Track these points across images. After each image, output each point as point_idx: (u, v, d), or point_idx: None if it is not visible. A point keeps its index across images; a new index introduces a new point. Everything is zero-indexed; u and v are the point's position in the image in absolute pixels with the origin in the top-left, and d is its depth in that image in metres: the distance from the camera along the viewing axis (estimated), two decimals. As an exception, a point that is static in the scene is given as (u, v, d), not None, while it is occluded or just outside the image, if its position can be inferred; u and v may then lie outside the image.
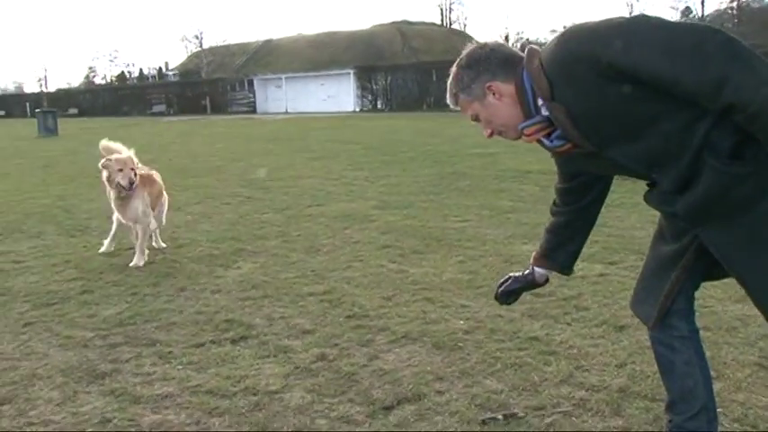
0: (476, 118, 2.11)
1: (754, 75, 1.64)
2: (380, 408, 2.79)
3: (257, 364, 3.29)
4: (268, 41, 67.55)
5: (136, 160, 5.38)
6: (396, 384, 3.00)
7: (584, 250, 2.48)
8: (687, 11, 61.26)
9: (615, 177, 2.29)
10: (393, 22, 65.68)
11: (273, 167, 11.63)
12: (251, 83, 50.79)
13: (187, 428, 2.69)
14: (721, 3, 60.19)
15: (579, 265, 2.88)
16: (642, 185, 2.08)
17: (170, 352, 3.47)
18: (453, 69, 2.10)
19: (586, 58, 1.79)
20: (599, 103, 1.82)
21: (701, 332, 3.41)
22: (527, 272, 2.54)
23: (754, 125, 1.66)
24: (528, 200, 7.39)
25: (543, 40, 77.53)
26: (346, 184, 9.25)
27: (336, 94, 45.13)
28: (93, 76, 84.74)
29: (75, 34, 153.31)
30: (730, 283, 3.79)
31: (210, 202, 8.27)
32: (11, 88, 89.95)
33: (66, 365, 3.33)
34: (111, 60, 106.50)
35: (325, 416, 2.75)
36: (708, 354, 3.15)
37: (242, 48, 68.09)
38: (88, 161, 10.55)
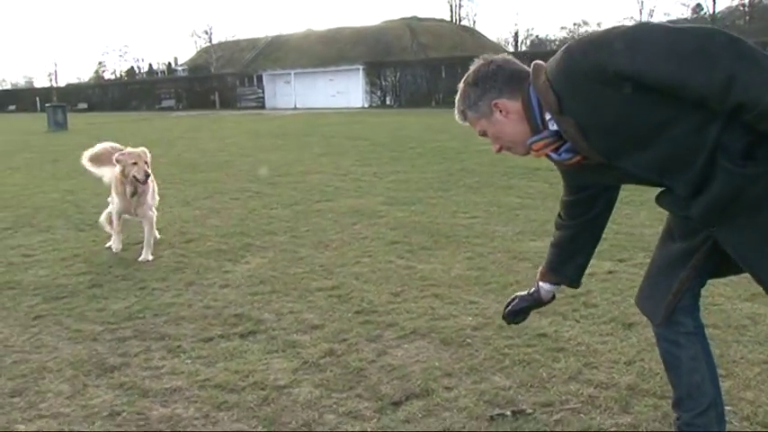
0: (484, 134, 2.13)
1: (761, 73, 1.63)
2: (389, 403, 2.80)
3: (266, 358, 3.29)
4: (277, 37, 67.48)
5: (149, 154, 5.40)
6: (404, 380, 3.00)
7: (594, 247, 2.48)
8: (698, 8, 60.93)
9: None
10: (402, 18, 65.50)
11: (282, 163, 11.64)
12: (260, 78, 50.82)
13: (196, 422, 2.70)
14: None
15: (588, 262, 2.87)
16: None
17: (179, 346, 3.48)
18: (461, 86, 2.12)
19: (593, 69, 1.79)
20: (608, 114, 1.81)
21: (711, 330, 3.42)
22: (533, 290, 2.56)
23: (764, 122, 1.65)
24: (537, 197, 7.37)
25: (553, 37, 77.17)
26: (355, 180, 9.26)
27: (345, 90, 45.11)
28: (103, 71, 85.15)
29: (85, 29, 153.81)
30: (739, 282, 3.80)
31: (219, 197, 8.28)
32: (21, 83, 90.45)
33: (76, 359, 3.35)
34: (120, 55, 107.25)
35: (333, 411, 2.75)
36: (717, 352, 3.15)
37: (251, 43, 68.06)
38: (98, 156, 10.58)
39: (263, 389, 2.96)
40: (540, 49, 63.66)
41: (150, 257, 5.29)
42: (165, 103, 51.39)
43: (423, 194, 7.90)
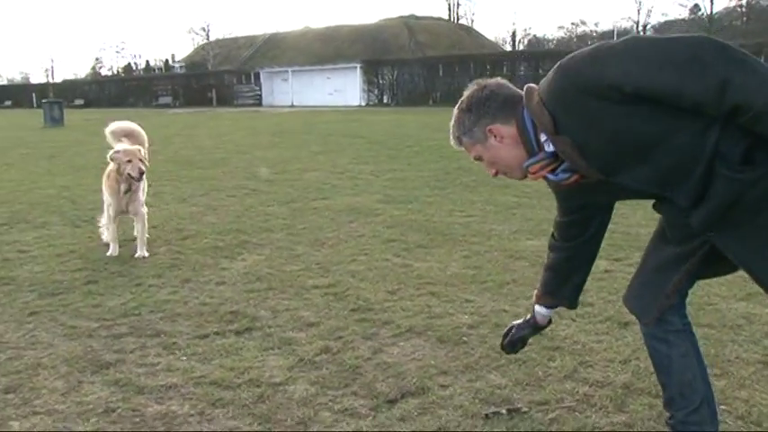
0: (479, 158, 2.15)
1: (754, 74, 1.66)
2: (384, 401, 2.79)
3: (261, 356, 3.29)
4: (275, 34, 67.43)
5: (143, 150, 5.39)
6: (400, 378, 3.00)
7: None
8: (696, 8, 61.04)
9: None
10: (400, 17, 65.50)
11: (279, 161, 11.63)
12: (257, 76, 50.83)
13: (191, 419, 2.70)
14: (730, 0, 59.95)
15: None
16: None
17: (174, 343, 3.48)
18: (455, 112, 2.14)
19: (587, 85, 1.79)
20: (605, 129, 1.82)
21: (706, 329, 3.44)
22: (528, 317, 2.60)
23: (760, 124, 1.66)
24: (533, 195, 7.37)
25: (551, 37, 77.40)
26: (351, 178, 9.25)
27: (342, 88, 45.13)
28: (100, 68, 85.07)
29: (82, 25, 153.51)
30: (735, 281, 3.81)
31: (216, 194, 8.27)
32: (17, 78, 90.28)
33: (71, 355, 3.34)
34: (117, 52, 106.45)
35: (328, 408, 2.75)
36: (712, 351, 3.17)
37: (249, 40, 68.02)
38: (94, 152, 10.59)
39: (258, 386, 2.95)
40: (537, 48, 63.69)
41: (146, 254, 5.29)
42: (162, 100, 51.35)
43: (419, 193, 7.91)
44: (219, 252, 5.33)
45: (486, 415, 2.65)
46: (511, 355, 3.15)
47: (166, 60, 76.31)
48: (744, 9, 58.49)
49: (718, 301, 3.84)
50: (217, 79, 52.59)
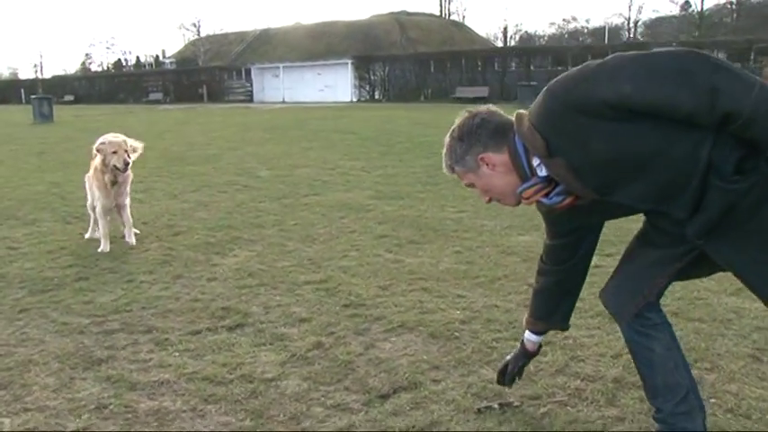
0: (471, 185, 2.17)
1: (740, 81, 1.68)
2: (376, 396, 2.80)
3: (253, 351, 3.29)
4: (266, 30, 67.20)
5: (129, 143, 5.38)
6: (392, 373, 3.01)
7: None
8: (686, 5, 61.19)
9: None
10: (391, 13, 65.37)
11: (270, 157, 11.61)
12: (248, 72, 50.66)
13: (183, 415, 2.69)
14: (720, -3, 60.13)
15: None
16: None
17: (166, 339, 3.47)
18: (447, 140, 2.16)
19: (578, 103, 1.81)
20: (598, 148, 1.82)
21: (696, 324, 3.47)
22: (518, 347, 2.64)
23: (751, 130, 1.69)
24: (524, 191, 7.37)
25: (542, 33, 77.41)
26: (343, 174, 9.25)
27: (334, 84, 45.06)
28: (90, 63, 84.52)
29: (71, 21, 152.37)
30: (725, 276, 3.80)
31: (207, 190, 8.25)
32: (6, 74, 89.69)
33: (62, 352, 3.33)
34: (107, 48, 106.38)
35: (321, 404, 2.76)
36: (702, 345, 3.20)
37: (239, 36, 67.76)
38: (83, 148, 10.53)
39: (250, 382, 2.95)
40: (528, 44, 63.76)
41: (134, 241, 5.44)
42: (153, 96, 51.09)
43: (411, 189, 7.91)
44: (211, 248, 5.33)
45: (479, 409, 2.66)
46: (503, 351, 3.18)
47: (157, 56, 76.06)
48: (734, 6, 58.68)
49: (708, 296, 3.86)
50: (208, 75, 52.35)
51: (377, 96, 42.55)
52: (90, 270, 4.78)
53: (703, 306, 3.72)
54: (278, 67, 49.62)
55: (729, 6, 59.43)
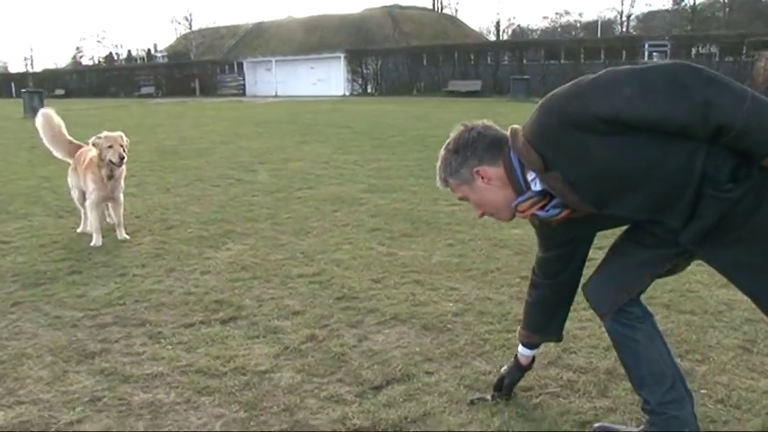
0: (465, 198, 2.18)
1: (732, 93, 1.70)
2: (370, 388, 2.81)
3: (247, 344, 3.30)
4: (258, 24, 66.99)
5: (125, 138, 5.37)
6: (385, 365, 3.02)
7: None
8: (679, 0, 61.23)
9: None
10: (384, 6, 65.23)
11: (263, 151, 11.59)
12: (240, 65, 50.51)
13: (177, 407, 2.70)
14: (713, -9, 60.21)
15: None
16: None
17: (160, 332, 3.47)
18: (442, 153, 2.17)
19: (572, 119, 1.82)
20: (594, 162, 1.84)
21: (688, 316, 3.49)
22: (512, 362, 2.66)
23: (743, 141, 1.71)
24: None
25: (535, 27, 77.39)
26: (336, 168, 9.25)
27: (326, 78, 44.97)
28: (81, 57, 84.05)
29: (62, 14, 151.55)
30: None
31: (200, 184, 8.24)
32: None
33: (56, 345, 3.32)
34: (98, 41, 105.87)
35: (314, 395, 2.77)
36: (693, 337, 3.22)
37: (232, 30, 67.52)
38: (76, 142, 10.44)
39: (244, 374, 2.96)
40: (521, 38, 63.73)
41: (127, 236, 5.42)
42: (145, 90, 50.88)
43: (404, 182, 7.92)
44: (204, 242, 5.32)
45: (472, 401, 2.67)
46: (496, 343, 3.20)
47: (148, 50, 75.78)
48: (726, 0, 58.82)
49: (699, 288, 3.89)
50: (200, 69, 52.16)
51: (369, 90, 42.51)
52: (83, 264, 4.77)
53: (695, 298, 3.75)
54: (270, 61, 49.47)
55: (721, 0, 59.56)
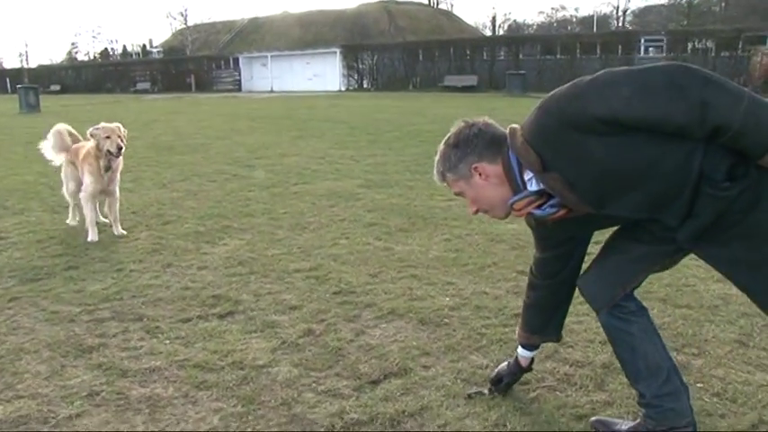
0: (460, 194, 2.18)
1: (728, 94, 1.71)
2: (367, 382, 2.82)
3: (244, 338, 3.30)
4: (254, 19, 66.79)
5: (123, 129, 5.36)
6: (382, 359, 3.03)
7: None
8: (675, -7, 61.17)
9: None
10: (380, 1, 65.02)
11: (258, 146, 11.58)
12: (236, 61, 50.41)
13: (175, 401, 2.70)
14: (709, -14, 60.18)
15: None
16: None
17: (157, 327, 3.48)
18: (441, 147, 2.17)
19: (571, 120, 1.83)
20: (593, 162, 1.85)
21: (684, 310, 3.51)
22: (512, 362, 2.66)
23: (740, 141, 1.72)
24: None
25: (531, 22, 77.31)
26: (332, 163, 9.25)
27: (322, 73, 44.92)
28: (76, 53, 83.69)
29: (57, 9, 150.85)
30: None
31: (196, 179, 8.23)
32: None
33: (53, 340, 3.33)
34: (94, 37, 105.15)
35: (312, 389, 2.77)
36: (689, 331, 3.24)
37: (227, 25, 67.33)
38: (72, 137, 10.42)
39: (241, 368, 2.97)
40: (517, 33, 63.66)
41: (123, 231, 5.42)
42: (140, 86, 50.75)
43: (400, 177, 7.93)
44: (201, 237, 5.32)
45: (469, 395, 2.68)
46: (492, 337, 3.21)
47: (144, 45, 75.44)
48: (722, -5, 58.79)
49: (695, 283, 3.91)
50: (195, 65, 52.02)
51: (365, 85, 42.46)
52: (80, 259, 4.77)
53: (691, 293, 3.76)
54: (266, 57, 49.38)
55: (718, -5, 59.55)
